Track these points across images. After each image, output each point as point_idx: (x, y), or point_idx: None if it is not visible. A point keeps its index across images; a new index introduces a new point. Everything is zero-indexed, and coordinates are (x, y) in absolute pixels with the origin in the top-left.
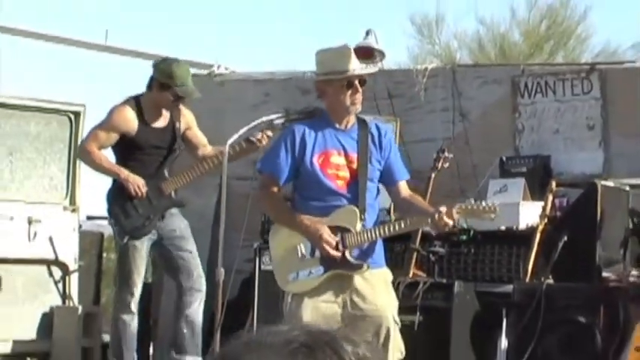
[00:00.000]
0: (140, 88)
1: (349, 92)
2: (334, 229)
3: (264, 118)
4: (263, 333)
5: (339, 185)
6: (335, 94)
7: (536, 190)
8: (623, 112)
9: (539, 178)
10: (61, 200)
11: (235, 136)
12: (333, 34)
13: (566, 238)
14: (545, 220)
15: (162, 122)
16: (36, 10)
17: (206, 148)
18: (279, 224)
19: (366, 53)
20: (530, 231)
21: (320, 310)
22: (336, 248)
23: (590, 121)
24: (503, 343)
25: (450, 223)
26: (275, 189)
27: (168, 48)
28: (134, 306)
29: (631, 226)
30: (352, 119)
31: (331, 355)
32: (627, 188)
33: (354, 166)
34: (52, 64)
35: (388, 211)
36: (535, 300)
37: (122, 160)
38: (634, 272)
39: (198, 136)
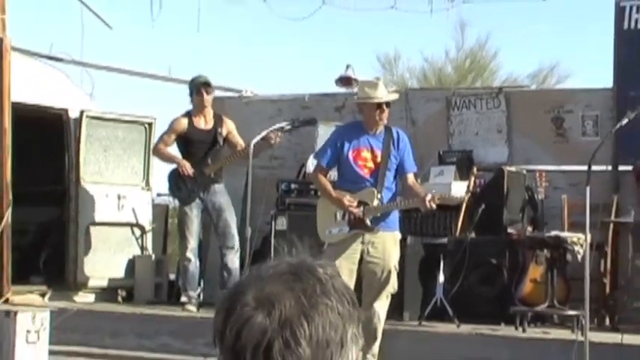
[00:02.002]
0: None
1: (378, 111)
2: (359, 203)
3: (277, 126)
4: (261, 268)
5: (365, 173)
6: (368, 112)
7: (463, 174)
8: (520, 121)
9: (464, 165)
10: (140, 182)
11: (257, 138)
12: (326, 66)
13: (483, 206)
14: (469, 194)
15: (206, 126)
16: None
17: (240, 143)
18: (322, 195)
19: (347, 81)
20: (460, 201)
21: (345, 255)
22: (356, 211)
23: (499, 127)
24: (441, 278)
25: (434, 206)
26: (322, 172)
27: (212, 78)
28: (190, 254)
29: (526, 197)
30: (380, 127)
31: (309, 276)
32: (524, 172)
33: (378, 160)
34: (128, 88)
35: None
36: (462, 248)
37: (181, 152)
38: (528, 229)
39: (236, 137)
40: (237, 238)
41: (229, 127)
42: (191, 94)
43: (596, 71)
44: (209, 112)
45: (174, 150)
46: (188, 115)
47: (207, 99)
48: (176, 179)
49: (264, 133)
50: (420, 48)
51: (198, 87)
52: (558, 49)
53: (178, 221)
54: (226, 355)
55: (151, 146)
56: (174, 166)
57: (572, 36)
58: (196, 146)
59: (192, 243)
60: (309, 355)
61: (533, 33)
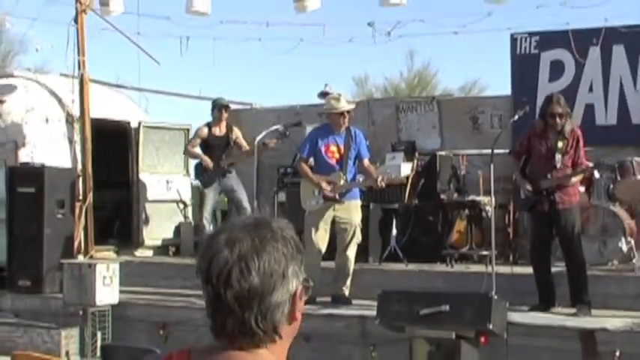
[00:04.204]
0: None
1: (341, 117)
2: (329, 182)
3: (272, 128)
4: (235, 220)
5: (334, 161)
6: (334, 118)
7: (409, 158)
8: (448, 119)
9: (410, 152)
10: (181, 171)
11: (260, 136)
12: (313, 84)
13: (423, 180)
14: (414, 172)
15: (221, 133)
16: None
17: (244, 145)
18: (304, 178)
19: (325, 95)
20: (401, 180)
21: (321, 218)
22: (328, 189)
23: (433, 124)
24: (394, 232)
25: (384, 185)
26: (304, 161)
27: (229, 94)
28: (205, 221)
29: (453, 173)
30: (343, 128)
31: (265, 226)
32: (451, 155)
33: (342, 152)
34: (172, 104)
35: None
36: (409, 211)
37: (204, 151)
38: (454, 195)
39: (242, 141)
40: (249, 209)
41: (237, 133)
42: (212, 110)
43: (503, 83)
44: (224, 123)
45: (199, 150)
46: (208, 125)
47: (224, 116)
48: (201, 169)
49: (264, 133)
50: (382, 71)
51: (220, 107)
52: (480, 68)
53: (200, 198)
54: (202, 279)
55: (184, 148)
56: (199, 160)
57: (489, 59)
58: (214, 147)
59: (206, 214)
60: (258, 281)
61: (463, 57)
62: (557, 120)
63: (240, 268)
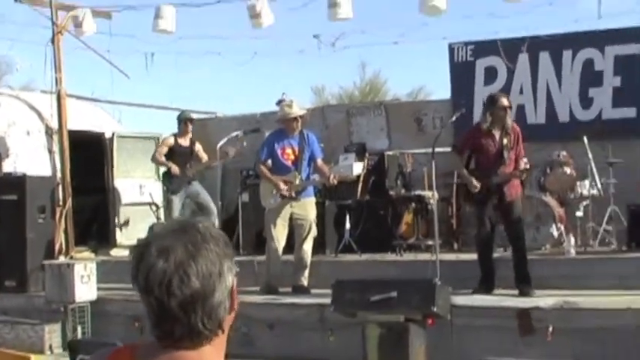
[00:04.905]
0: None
1: (294, 122)
2: (286, 182)
3: (233, 134)
4: (159, 227)
5: (290, 163)
6: (288, 123)
7: (360, 157)
8: (395, 122)
9: (361, 152)
10: (153, 176)
11: (222, 142)
12: (273, 93)
13: (373, 178)
14: (364, 171)
15: (186, 143)
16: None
17: (204, 157)
18: (263, 179)
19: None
20: (352, 178)
21: (280, 215)
22: (285, 188)
23: (382, 127)
24: (348, 226)
25: (335, 182)
26: (262, 163)
27: (196, 104)
28: None
29: (398, 170)
30: (297, 132)
31: (192, 230)
32: (398, 154)
33: (297, 153)
34: (143, 115)
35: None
36: (361, 206)
37: (171, 159)
38: (402, 191)
39: (202, 153)
40: (214, 209)
41: (198, 147)
42: (179, 123)
43: (446, 88)
44: (189, 135)
45: (164, 158)
46: (174, 135)
47: (189, 128)
48: (168, 177)
49: (225, 139)
50: (337, 80)
51: (184, 120)
52: (426, 75)
53: (167, 203)
54: (141, 293)
55: (151, 156)
56: (166, 168)
57: (433, 67)
58: (179, 156)
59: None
60: (199, 285)
61: (410, 65)
62: (508, 111)
63: (179, 276)
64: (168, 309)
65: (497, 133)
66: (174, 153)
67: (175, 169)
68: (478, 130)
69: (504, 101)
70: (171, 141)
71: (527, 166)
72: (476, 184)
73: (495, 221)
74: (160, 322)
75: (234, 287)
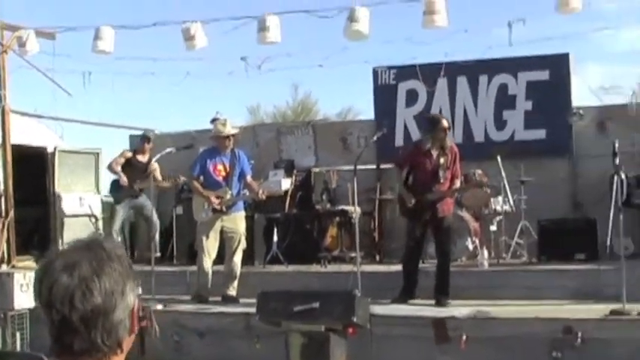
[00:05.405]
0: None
1: (226, 140)
2: (217, 197)
3: (166, 150)
4: (64, 245)
5: (221, 179)
6: (221, 141)
7: (289, 174)
8: (322, 141)
9: (289, 169)
10: (93, 189)
11: (156, 158)
12: (208, 111)
13: (300, 193)
14: (292, 186)
15: (143, 160)
16: None
17: (158, 179)
18: (195, 193)
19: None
20: (280, 193)
21: (211, 228)
22: (216, 203)
23: (309, 145)
24: (275, 238)
25: (264, 197)
26: (194, 179)
27: (137, 121)
28: (115, 233)
29: (323, 186)
30: (228, 150)
31: (99, 248)
32: (324, 171)
33: (228, 170)
34: (84, 130)
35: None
36: (289, 219)
37: (124, 170)
38: (327, 205)
39: (157, 174)
40: (157, 222)
41: (155, 166)
42: (141, 140)
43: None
44: (147, 153)
45: (120, 168)
46: (134, 150)
47: (147, 146)
48: (116, 187)
49: (158, 155)
50: (272, 100)
51: (143, 138)
52: (354, 97)
53: (111, 212)
54: (44, 307)
55: (100, 167)
56: (117, 177)
57: (361, 89)
58: (134, 170)
59: (116, 227)
60: (100, 301)
61: (341, 88)
62: (447, 133)
63: (82, 290)
64: (70, 322)
65: (435, 153)
66: (130, 166)
67: (124, 180)
68: (418, 148)
69: (444, 123)
70: (129, 154)
71: (457, 186)
72: (412, 200)
73: (424, 235)
74: (61, 336)
75: (135, 308)
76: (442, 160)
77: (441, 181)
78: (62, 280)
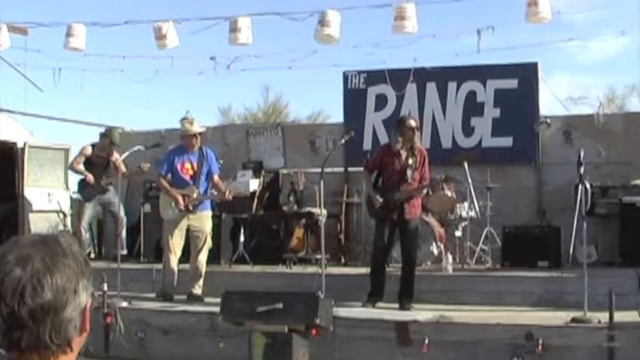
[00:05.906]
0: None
1: (194, 139)
2: (184, 195)
3: (135, 148)
4: (19, 238)
5: (188, 177)
6: (188, 139)
7: (257, 175)
8: (290, 142)
9: (258, 169)
10: (61, 185)
11: (124, 155)
12: (177, 110)
13: (268, 194)
14: (260, 187)
15: (103, 154)
16: None
17: (122, 168)
18: (163, 191)
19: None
20: (246, 193)
21: (177, 227)
22: (183, 202)
23: (278, 146)
24: (242, 238)
25: (231, 197)
26: (162, 177)
27: (106, 119)
28: (83, 229)
29: (291, 188)
30: (196, 148)
31: (54, 243)
32: (292, 173)
33: (195, 168)
34: (54, 127)
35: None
36: (256, 220)
37: (87, 168)
38: (294, 207)
39: (120, 163)
40: (124, 218)
41: (116, 156)
42: (101, 137)
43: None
44: (107, 146)
45: (82, 167)
46: (93, 146)
47: (107, 143)
48: (83, 185)
49: (127, 153)
50: (243, 102)
51: (103, 135)
52: (325, 100)
53: (78, 210)
54: None
55: (69, 164)
56: (82, 176)
57: (332, 92)
58: (95, 166)
59: (84, 223)
60: (51, 297)
61: (312, 91)
62: (415, 132)
63: (33, 285)
64: (19, 317)
65: (404, 153)
66: (91, 163)
67: (90, 178)
68: (388, 148)
69: (411, 122)
70: (89, 151)
71: (426, 184)
72: (380, 200)
73: (393, 235)
74: (10, 331)
75: (87, 307)
76: (411, 161)
77: (409, 181)
78: (15, 273)
